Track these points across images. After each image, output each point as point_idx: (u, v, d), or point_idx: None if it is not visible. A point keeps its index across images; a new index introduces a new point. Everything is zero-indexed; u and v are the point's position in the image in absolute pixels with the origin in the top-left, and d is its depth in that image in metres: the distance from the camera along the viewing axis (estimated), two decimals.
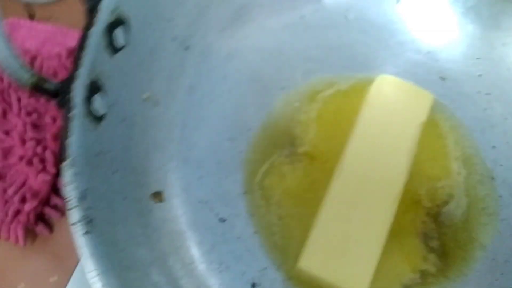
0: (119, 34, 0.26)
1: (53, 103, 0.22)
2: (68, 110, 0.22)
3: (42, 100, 0.35)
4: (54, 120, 0.35)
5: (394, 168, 0.31)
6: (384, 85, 0.33)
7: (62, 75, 0.36)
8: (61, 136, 0.21)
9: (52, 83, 0.22)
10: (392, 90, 0.33)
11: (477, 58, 0.35)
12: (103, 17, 0.24)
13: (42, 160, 0.34)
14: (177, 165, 0.32)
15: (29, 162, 0.33)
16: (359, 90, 0.34)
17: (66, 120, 0.21)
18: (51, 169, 0.34)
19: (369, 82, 0.34)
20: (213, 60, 0.34)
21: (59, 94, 0.22)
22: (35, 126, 0.35)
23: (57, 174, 0.34)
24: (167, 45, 0.31)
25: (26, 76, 0.21)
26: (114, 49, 0.26)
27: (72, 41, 0.39)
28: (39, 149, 0.34)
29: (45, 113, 0.35)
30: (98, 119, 0.24)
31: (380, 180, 0.31)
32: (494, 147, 0.33)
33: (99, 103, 0.24)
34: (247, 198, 0.31)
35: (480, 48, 0.36)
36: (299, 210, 0.31)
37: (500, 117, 0.34)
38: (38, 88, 0.21)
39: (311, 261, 0.29)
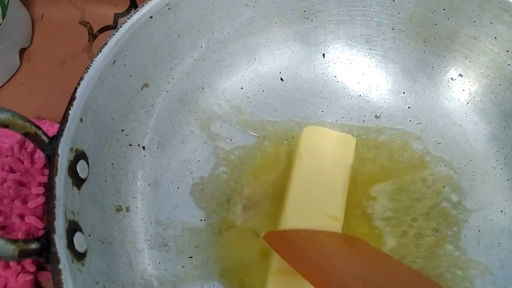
0: (82, 167, 0.27)
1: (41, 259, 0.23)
2: (57, 262, 0.23)
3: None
4: (22, 218, 0.36)
5: (331, 213, 0.33)
6: (311, 135, 0.36)
7: (18, 169, 0.37)
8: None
9: (35, 241, 0.23)
10: (319, 139, 0.36)
11: (403, 93, 0.39)
12: (64, 159, 0.26)
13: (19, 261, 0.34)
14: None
15: (6, 266, 0.34)
16: None
17: (58, 274, 0.23)
18: (30, 267, 0.34)
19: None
20: (170, 149, 0.36)
21: (44, 250, 0.23)
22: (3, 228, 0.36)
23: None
24: (126, 153, 0.33)
25: (10, 249, 0.22)
26: (81, 181, 0.27)
27: None
28: None
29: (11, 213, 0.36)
30: (83, 255, 0.26)
31: (321, 225, 0.33)
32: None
33: (80, 241, 0.26)
34: None
35: (404, 83, 0.39)
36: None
37: (434, 143, 0.38)
38: (24, 254, 0.23)
39: None
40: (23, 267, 0.34)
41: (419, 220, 0.35)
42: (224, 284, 0.32)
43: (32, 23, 0.47)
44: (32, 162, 0.38)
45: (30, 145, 0.39)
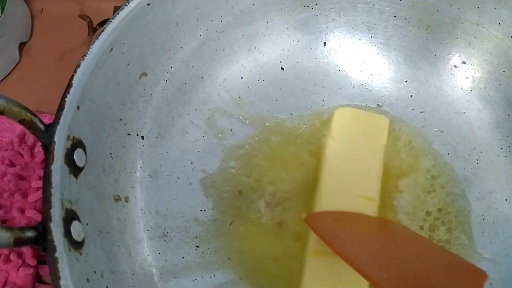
0: (79, 155, 0.27)
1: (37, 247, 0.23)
2: (53, 250, 0.23)
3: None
4: (22, 211, 0.36)
5: (367, 194, 0.33)
6: (343, 116, 0.36)
7: (18, 163, 0.37)
8: (52, 276, 0.23)
9: (31, 229, 0.23)
10: (351, 120, 0.35)
11: (406, 81, 0.39)
12: (61, 146, 0.25)
13: (20, 254, 0.34)
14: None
15: (7, 260, 0.34)
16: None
17: (54, 262, 0.23)
18: (31, 261, 0.34)
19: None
20: (170, 139, 0.36)
21: (40, 238, 0.23)
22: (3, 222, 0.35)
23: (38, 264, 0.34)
24: (124, 143, 0.33)
25: (5, 236, 0.22)
26: (78, 169, 0.27)
27: (19, 125, 0.39)
28: None
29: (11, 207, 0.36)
30: (80, 244, 0.25)
31: (357, 207, 0.32)
32: None
33: (77, 230, 0.25)
34: None
35: (406, 71, 0.39)
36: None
37: (437, 131, 0.37)
38: (20, 241, 0.22)
39: None
40: (23, 261, 0.34)
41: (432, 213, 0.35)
42: (244, 277, 0.32)
43: (32, 17, 0.47)
44: (32, 156, 0.38)
45: (30, 139, 0.39)
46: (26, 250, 0.34)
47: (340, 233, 0.29)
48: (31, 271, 0.34)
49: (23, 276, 0.34)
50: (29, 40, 0.46)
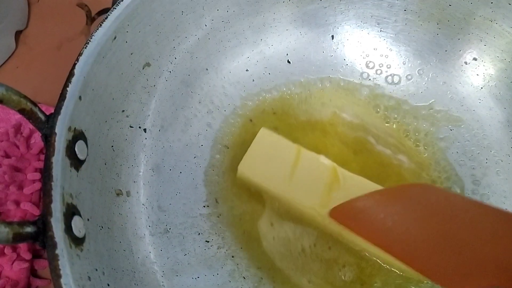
0: (80, 147, 0.26)
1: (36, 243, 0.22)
2: (53, 247, 0.22)
3: None
4: (17, 204, 0.34)
5: None
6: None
7: (14, 154, 0.36)
8: (52, 274, 0.22)
9: (30, 225, 0.22)
10: None
11: (415, 77, 0.38)
12: (62, 138, 0.24)
13: (14, 248, 0.33)
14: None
15: (1, 253, 0.33)
16: None
17: (54, 259, 0.22)
18: (26, 255, 0.33)
19: None
20: (172, 132, 0.35)
21: (40, 234, 0.22)
22: None
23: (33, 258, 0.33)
24: (126, 135, 0.32)
25: (4, 232, 0.20)
26: (79, 162, 0.26)
27: (15, 116, 0.38)
28: None
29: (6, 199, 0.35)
30: (81, 241, 0.24)
31: None
32: None
33: (78, 225, 0.24)
34: None
35: (415, 67, 0.38)
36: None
37: (446, 129, 0.36)
38: (19, 237, 0.21)
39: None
40: (18, 255, 0.33)
41: None
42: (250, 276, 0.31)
43: (29, 5, 0.46)
44: (28, 147, 0.37)
45: (26, 130, 0.37)
46: (21, 244, 0.33)
47: (370, 220, 0.26)
48: (26, 265, 0.33)
49: (18, 270, 0.33)
50: (25, 28, 0.45)
